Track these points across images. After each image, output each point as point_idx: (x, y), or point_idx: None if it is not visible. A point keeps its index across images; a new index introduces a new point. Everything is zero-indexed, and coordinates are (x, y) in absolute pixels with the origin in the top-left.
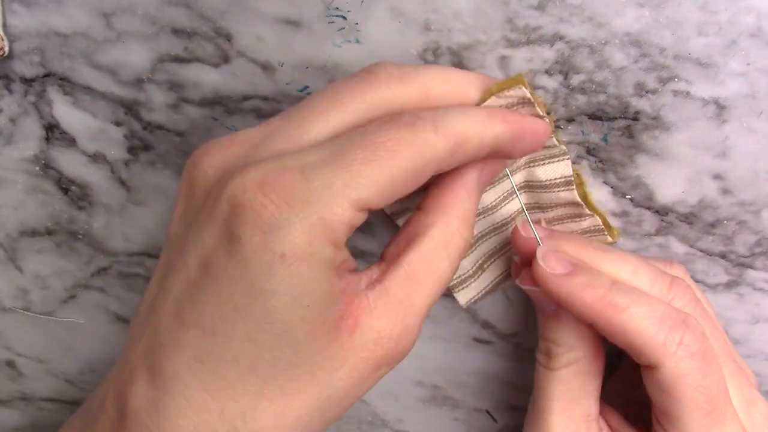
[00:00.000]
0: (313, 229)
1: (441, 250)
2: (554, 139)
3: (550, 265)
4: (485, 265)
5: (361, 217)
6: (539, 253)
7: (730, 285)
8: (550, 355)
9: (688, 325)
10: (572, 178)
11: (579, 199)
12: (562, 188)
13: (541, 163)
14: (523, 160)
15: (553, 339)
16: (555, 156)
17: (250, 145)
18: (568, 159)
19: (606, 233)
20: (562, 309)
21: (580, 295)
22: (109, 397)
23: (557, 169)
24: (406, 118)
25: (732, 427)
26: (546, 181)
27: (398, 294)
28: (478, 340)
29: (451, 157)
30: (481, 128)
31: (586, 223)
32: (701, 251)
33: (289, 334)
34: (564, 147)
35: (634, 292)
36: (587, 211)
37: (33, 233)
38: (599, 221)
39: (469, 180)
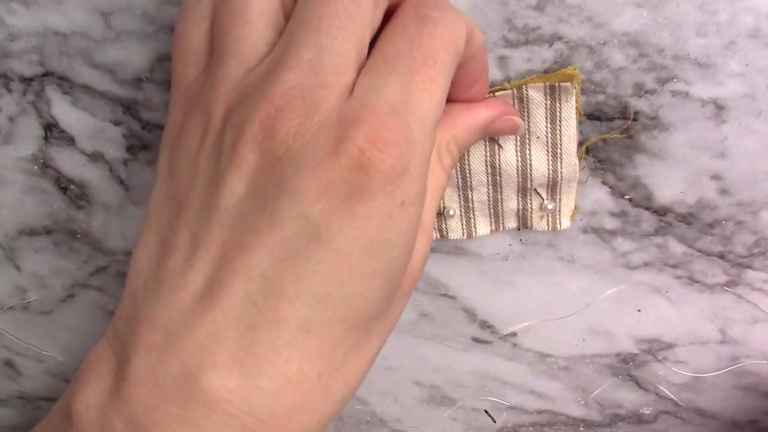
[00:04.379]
0: (423, 169)
1: (437, 161)
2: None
3: None
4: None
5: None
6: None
7: (728, 285)
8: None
9: None
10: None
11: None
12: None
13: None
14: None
15: None
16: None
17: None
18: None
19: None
20: None
21: None
22: (150, 393)
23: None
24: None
25: None
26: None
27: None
28: (476, 340)
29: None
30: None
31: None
32: (700, 251)
33: (396, 280)
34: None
35: None
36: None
37: (31, 232)
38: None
39: (481, 116)
